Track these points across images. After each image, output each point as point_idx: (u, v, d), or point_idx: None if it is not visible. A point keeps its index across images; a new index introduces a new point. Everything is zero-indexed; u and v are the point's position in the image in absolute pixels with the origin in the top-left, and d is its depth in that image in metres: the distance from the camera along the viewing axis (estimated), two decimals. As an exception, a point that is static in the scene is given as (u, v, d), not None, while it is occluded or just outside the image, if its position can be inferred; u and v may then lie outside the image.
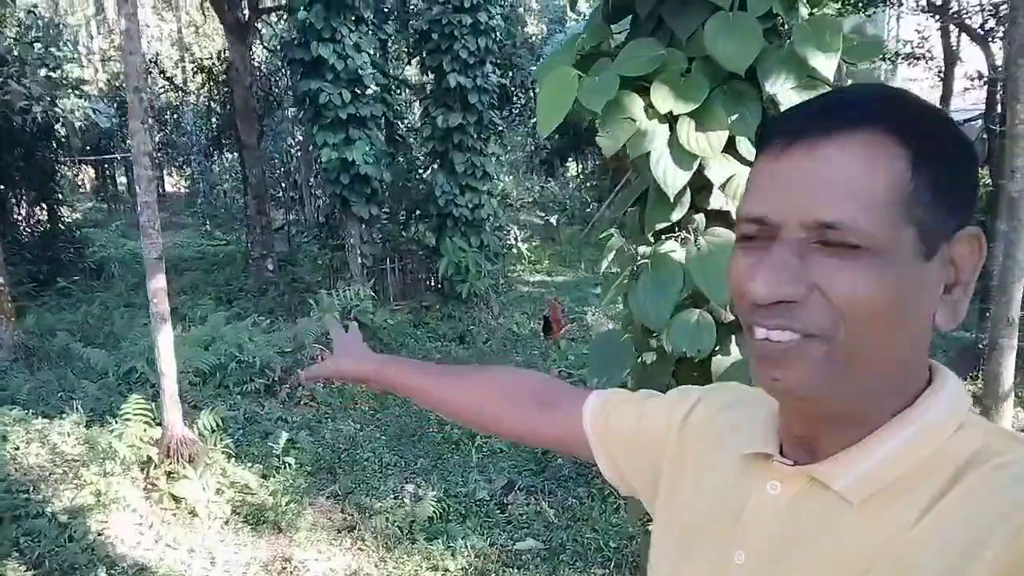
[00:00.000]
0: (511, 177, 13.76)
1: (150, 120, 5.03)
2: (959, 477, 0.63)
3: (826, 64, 1.71)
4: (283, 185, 15.56)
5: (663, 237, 1.99)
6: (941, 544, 0.61)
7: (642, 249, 2.00)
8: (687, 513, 0.84)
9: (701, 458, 0.85)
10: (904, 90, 0.68)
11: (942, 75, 13.36)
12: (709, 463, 0.83)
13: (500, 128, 10.33)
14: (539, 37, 17.73)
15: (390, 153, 10.18)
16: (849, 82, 1.94)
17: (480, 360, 8.72)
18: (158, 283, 5.20)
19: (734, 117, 1.83)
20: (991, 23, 12.04)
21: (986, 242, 0.65)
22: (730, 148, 1.97)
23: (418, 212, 10.79)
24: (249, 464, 5.89)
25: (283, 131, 15.42)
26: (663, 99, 1.82)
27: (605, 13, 2.07)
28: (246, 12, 12.03)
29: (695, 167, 1.89)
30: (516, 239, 11.70)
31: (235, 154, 16.40)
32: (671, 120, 1.89)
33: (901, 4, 15.37)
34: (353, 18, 8.94)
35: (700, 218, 2.03)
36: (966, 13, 12.51)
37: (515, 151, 15.70)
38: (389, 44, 11.48)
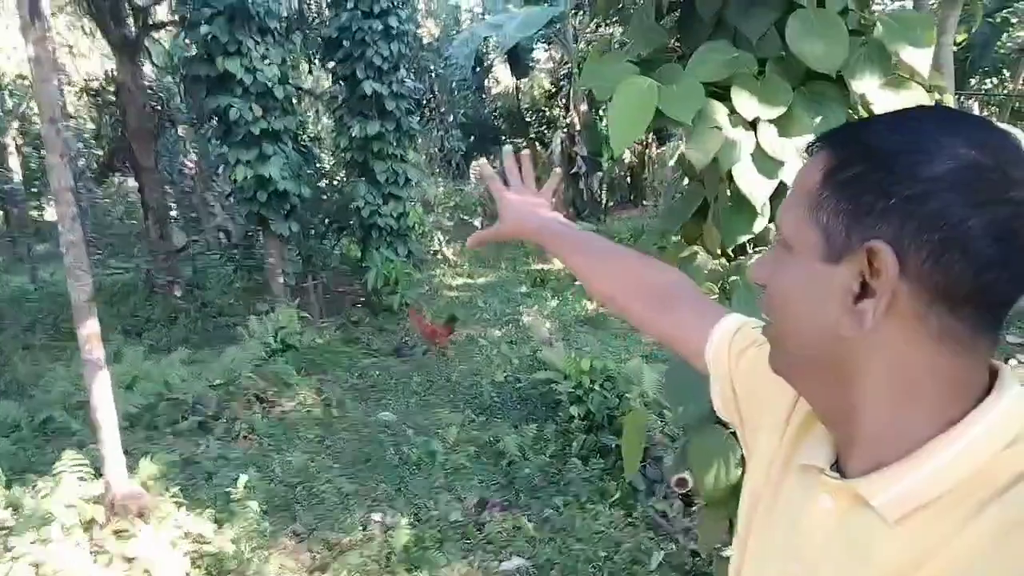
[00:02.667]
0: (428, 182, 13.52)
1: (68, 155, 4.61)
2: (1004, 493, 0.63)
3: (921, 59, 1.63)
4: (180, 206, 14.78)
5: (747, 251, 1.87)
6: (979, 565, 0.61)
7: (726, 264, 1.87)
8: (764, 523, 0.86)
9: (784, 465, 0.86)
10: (889, 119, 0.71)
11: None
12: (778, 461, 0.86)
13: (416, 134, 10.08)
14: (436, 39, 17.53)
15: (304, 168, 9.78)
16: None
17: (421, 370, 8.49)
18: (90, 328, 4.76)
19: (818, 120, 1.73)
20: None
21: (891, 257, 0.65)
22: None
23: (336, 225, 10.43)
24: (199, 511, 5.48)
25: (177, 151, 14.65)
26: (746, 104, 1.70)
27: (658, 12, 1.93)
28: (133, 29, 11.32)
29: (780, 175, 1.77)
30: (440, 244, 11.47)
31: (126, 178, 15.49)
32: (753, 127, 1.77)
33: None
34: (258, 30, 8.52)
35: (774, 228, 1.93)
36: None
37: (422, 153, 15.46)
38: (290, 55, 11.05)
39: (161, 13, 12.22)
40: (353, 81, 9.22)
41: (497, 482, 5.92)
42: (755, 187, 1.77)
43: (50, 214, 24.60)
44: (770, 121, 1.78)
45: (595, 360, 6.91)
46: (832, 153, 0.71)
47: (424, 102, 12.19)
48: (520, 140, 18.06)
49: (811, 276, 0.71)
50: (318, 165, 11.23)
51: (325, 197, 10.51)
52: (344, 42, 9.04)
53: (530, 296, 11.23)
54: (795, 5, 1.71)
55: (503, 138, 17.41)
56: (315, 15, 10.51)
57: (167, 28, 12.08)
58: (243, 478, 5.48)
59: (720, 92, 1.79)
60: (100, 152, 14.71)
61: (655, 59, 1.92)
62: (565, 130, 16.52)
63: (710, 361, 1.05)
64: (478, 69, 17.43)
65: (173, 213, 14.41)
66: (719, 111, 1.76)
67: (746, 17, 1.80)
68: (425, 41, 16.27)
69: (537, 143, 17.84)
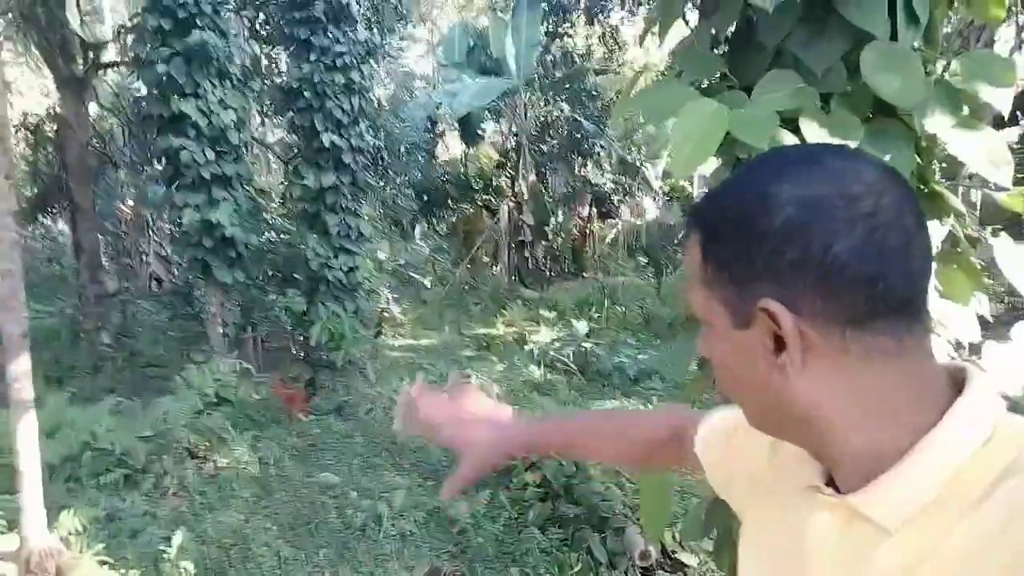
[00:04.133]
0: (379, 241, 13.37)
1: (13, 178, 4.34)
2: (993, 488, 0.65)
3: (1001, 99, 1.60)
4: (114, 250, 14.22)
5: None
6: (977, 557, 0.63)
7: None
8: (757, 549, 0.90)
9: (782, 490, 0.87)
10: (734, 180, 0.76)
11: None
12: (786, 499, 0.86)
13: (372, 189, 9.96)
14: (390, 101, 17.63)
15: (254, 216, 9.53)
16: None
17: (364, 430, 8.16)
18: (21, 365, 4.39)
19: (887, 157, 1.67)
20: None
21: (781, 309, 0.69)
22: None
23: (280, 276, 10.13)
24: (123, 571, 5.04)
25: (113, 194, 14.15)
26: (817, 136, 1.64)
27: (714, 41, 1.88)
28: (82, 66, 11.01)
29: None
30: (388, 302, 11.24)
31: (54, 221, 14.86)
32: None
33: None
34: (216, 73, 8.36)
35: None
36: None
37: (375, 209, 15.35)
38: (247, 101, 10.87)
39: (111, 53, 11.94)
40: (311, 132, 9.08)
41: (448, 551, 5.62)
42: None
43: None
44: None
45: (548, 425, 6.73)
46: (699, 229, 0.76)
47: (378, 160, 12.08)
48: (467, 205, 18.11)
49: (732, 345, 0.75)
50: (265, 215, 10.97)
51: (271, 247, 10.22)
52: (305, 93, 8.92)
53: (476, 359, 11.04)
54: (862, 39, 1.67)
55: (451, 201, 17.42)
56: (273, 65, 10.40)
57: (117, 67, 11.77)
58: (178, 537, 5.07)
59: (783, 124, 1.73)
60: (31, 192, 14.10)
61: (709, 88, 1.86)
62: (512, 198, 16.64)
63: (700, 453, 1.09)
64: (430, 134, 17.53)
65: (108, 257, 13.86)
66: (788, 139, 1.69)
67: (811, 49, 1.76)
68: (383, 104, 16.33)
69: (484, 209, 17.90)
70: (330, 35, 8.91)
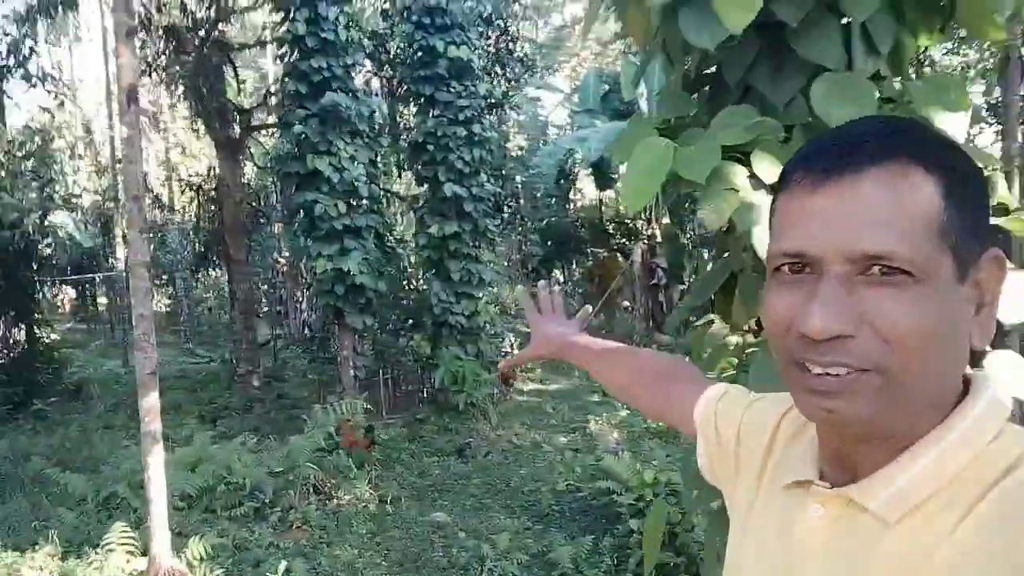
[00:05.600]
0: (504, 285, 13.65)
1: (147, 231, 4.84)
2: (995, 485, 0.64)
3: (956, 124, 1.55)
4: (269, 300, 15.34)
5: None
6: (979, 553, 0.61)
7: (748, 338, 1.76)
8: (740, 545, 0.88)
9: (773, 486, 0.86)
10: (914, 120, 0.71)
11: None
12: (776, 494, 0.84)
13: (494, 236, 10.26)
14: (523, 150, 18.09)
15: (383, 264, 10.03)
16: None
17: (481, 472, 8.30)
18: (151, 400, 4.86)
19: None
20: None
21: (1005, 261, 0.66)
22: None
23: (411, 322, 10.56)
24: (242, 598, 5.39)
25: (270, 246, 15.33)
26: (767, 169, 1.64)
27: (685, 83, 1.91)
28: (237, 130, 12.12)
29: None
30: (512, 346, 11.45)
31: (219, 270, 16.23)
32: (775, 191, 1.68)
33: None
34: (348, 131, 8.97)
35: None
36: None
37: (503, 259, 15.70)
38: (378, 157, 11.57)
39: (263, 116, 13.06)
40: (435, 183, 9.52)
41: (545, 593, 5.62)
42: None
43: (152, 304, 25.97)
44: None
45: (659, 472, 6.61)
46: (935, 169, 0.67)
47: (506, 208, 12.44)
48: (601, 249, 18.16)
49: (944, 300, 0.66)
50: (402, 265, 11.54)
51: (403, 294, 10.70)
52: (429, 146, 9.39)
53: (600, 404, 10.98)
54: (822, 71, 1.66)
55: (584, 246, 17.55)
56: (405, 121, 11.01)
57: (268, 130, 12.86)
58: (282, 566, 5.36)
59: (745, 157, 1.73)
60: (196, 247, 15.52)
61: (682, 126, 1.88)
62: (646, 241, 16.54)
63: (698, 425, 1.07)
64: (562, 180, 17.81)
65: (263, 306, 15.01)
66: (738, 173, 1.70)
67: (772, 83, 1.76)
68: (515, 153, 16.82)
69: (619, 253, 17.89)
70: (452, 90, 9.35)
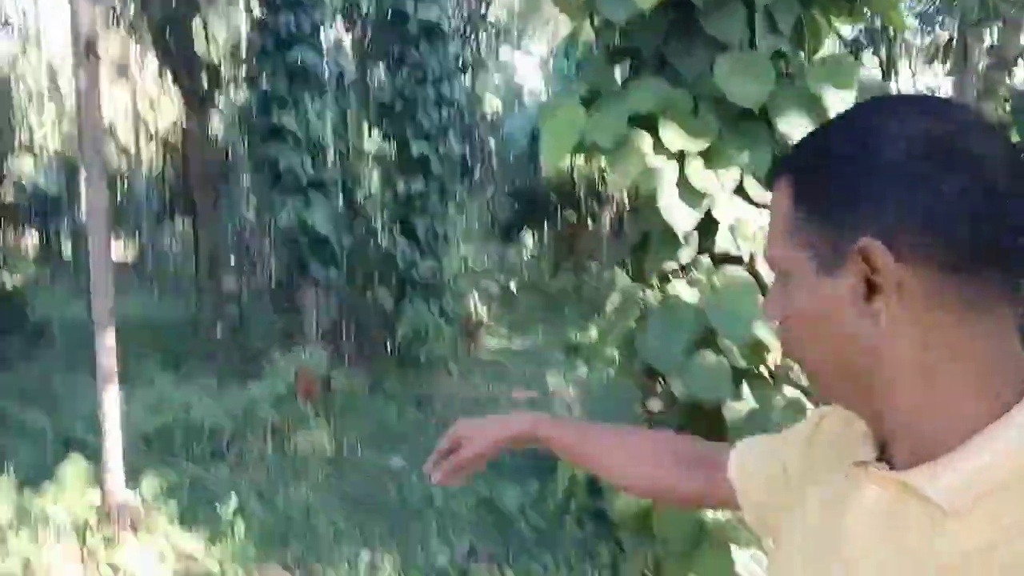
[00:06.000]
0: (470, 245, 13.80)
1: (105, 178, 4.92)
2: None
3: (843, 102, 1.73)
4: (236, 251, 15.35)
5: (670, 279, 1.95)
6: None
7: (649, 292, 1.95)
8: (798, 531, 0.85)
9: (820, 475, 0.86)
10: (831, 125, 0.75)
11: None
12: (824, 480, 0.84)
13: (462, 196, 10.40)
14: (496, 114, 18.11)
15: (350, 218, 10.14)
16: None
17: (441, 423, 8.52)
18: (107, 340, 5.00)
19: (744, 156, 1.82)
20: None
21: (882, 249, 0.66)
22: (740, 189, 1.94)
23: (376, 277, 10.70)
24: (195, 531, 5.58)
25: (238, 198, 15.29)
26: (673, 137, 1.81)
27: (607, 55, 2.08)
28: (205, 83, 12.06)
29: (705, 207, 1.85)
30: (476, 305, 11.66)
31: (187, 221, 16.16)
32: (681, 159, 1.87)
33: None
34: (315, 87, 9.01)
35: (706, 260, 1.98)
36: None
37: (473, 219, 15.82)
38: (348, 115, 11.59)
39: (234, 70, 12.99)
40: (402, 142, 9.62)
41: (491, 535, 5.87)
42: (678, 216, 1.85)
43: (115, 252, 25.73)
44: (699, 154, 1.87)
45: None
46: (792, 174, 0.73)
47: (476, 170, 12.55)
48: (571, 212, 18.32)
49: (816, 294, 0.71)
50: (371, 220, 11.64)
51: (368, 249, 10.82)
52: (397, 106, 9.47)
53: (560, 363, 11.23)
54: (729, 47, 1.83)
55: (554, 209, 17.70)
56: (375, 80, 11.03)
57: (237, 84, 12.81)
58: (233, 501, 5.56)
59: (653, 126, 1.89)
60: (164, 197, 15.45)
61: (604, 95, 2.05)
62: (615, 207, 16.75)
63: (738, 492, 1.04)
64: (534, 144, 17.89)
65: (230, 258, 15.00)
66: (644, 140, 1.85)
67: (683, 56, 1.92)
68: (489, 116, 16.86)
69: (589, 216, 18.08)
70: (421, 51, 9.41)
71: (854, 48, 13.28)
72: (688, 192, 1.85)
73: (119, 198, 19.64)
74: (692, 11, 1.89)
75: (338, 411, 8.37)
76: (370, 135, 12.49)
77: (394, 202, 9.82)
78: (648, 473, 1.16)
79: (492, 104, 19.37)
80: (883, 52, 12.03)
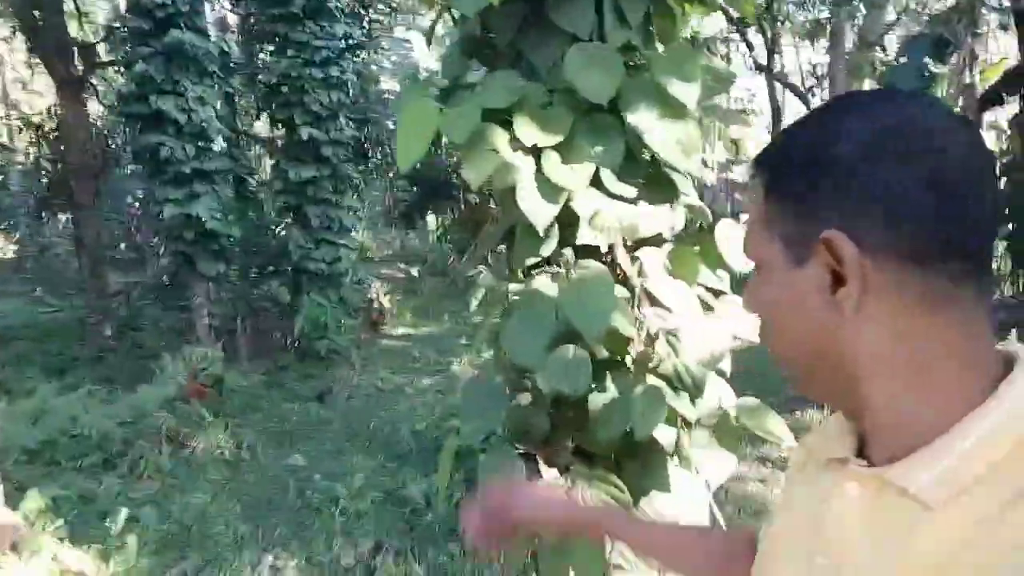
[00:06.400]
0: (370, 231, 13.55)
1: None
2: None
3: (688, 93, 1.72)
4: (123, 246, 14.63)
5: (533, 273, 1.93)
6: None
7: (512, 286, 1.92)
8: (776, 524, 0.89)
9: (796, 473, 0.90)
10: (801, 120, 0.76)
11: (771, 128, 14.60)
12: (800, 477, 0.87)
13: (356, 181, 10.17)
14: (392, 94, 17.77)
15: (241, 209, 9.79)
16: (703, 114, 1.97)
17: (343, 417, 8.38)
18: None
19: (598, 149, 1.80)
20: (810, 81, 13.25)
21: (845, 240, 0.67)
22: (597, 182, 1.93)
23: (271, 268, 10.39)
24: (85, 548, 5.31)
25: (122, 190, 14.56)
26: (527, 131, 1.78)
27: (465, 49, 2.02)
28: (80, 67, 11.36)
29: (562, 201, 1.83)
30: (377, 293, 11.48)
31: (68, 215, 15.32)
32: (536, 153, 1.84)
33: (729, 64, 16.60)
34: (196, 70, 8.60)
35: (569, 253, 1.97)
36: (788, 73, 13.72)
37: (373, 205, 15.53)
38: (237, 98, 11.14)
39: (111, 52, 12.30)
40: (291, 126, 9.31)
41: (397, 528, 5.82)
42: (536, 211, 1.82)
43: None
44: (554, 149, 1.84)
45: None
46: (763, 170, 0.76)
47: (372, 153, 12.30)
48: (473, 196, 18.24)
49: (785, 285, 0.74)
50: (265, 210, 11.25)
51: (262, 240, 10.48)
52: (283, 88, 9.16)
53: (465, 347, 11.21)
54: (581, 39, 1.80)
55: (456, 192, 17.59)
56: (262, 60, 10.63)
57: (114, 66, 12.13)
58: (123, 514, 5.33)
59: (510, 120, 1.85)
60: (37, 190, 14.56)
61: (462, 88, 1.99)
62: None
63: None
64: (433, 125, 17.67)
65: (112, 253, 14.29)
66: (498, 135, 1.82)
67: (537, 49, 1.88)
68: (384, 97, 16.52)
69: (491, 199, 18.03)
70: (307, 30, 9.11)
71: (740, 28, 13.64)
72: (546, 186, 1.83)
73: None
74: (544, 3, 1.85)
75: (236, 411, 8.11)
76: (258, 120, 12.09)
77: (285, 190, 9.50)
78: (710, 566, 1.16)
79: (390, 84, 19.02)
80: (768, 32, 12.41)
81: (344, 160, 9.63)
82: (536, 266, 2.01)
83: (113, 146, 13.24)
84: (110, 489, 6.41)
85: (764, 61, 13.22)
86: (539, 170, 1.87)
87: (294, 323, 9.32)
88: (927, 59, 7.07)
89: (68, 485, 6.38)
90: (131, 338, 11.80)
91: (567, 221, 1.94)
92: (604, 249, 1.88)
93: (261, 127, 12.18)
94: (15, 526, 4.97)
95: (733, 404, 1.95)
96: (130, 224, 14.94)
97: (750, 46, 13.85)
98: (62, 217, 16.49)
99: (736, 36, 13.84)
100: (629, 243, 2.02)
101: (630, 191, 1.87)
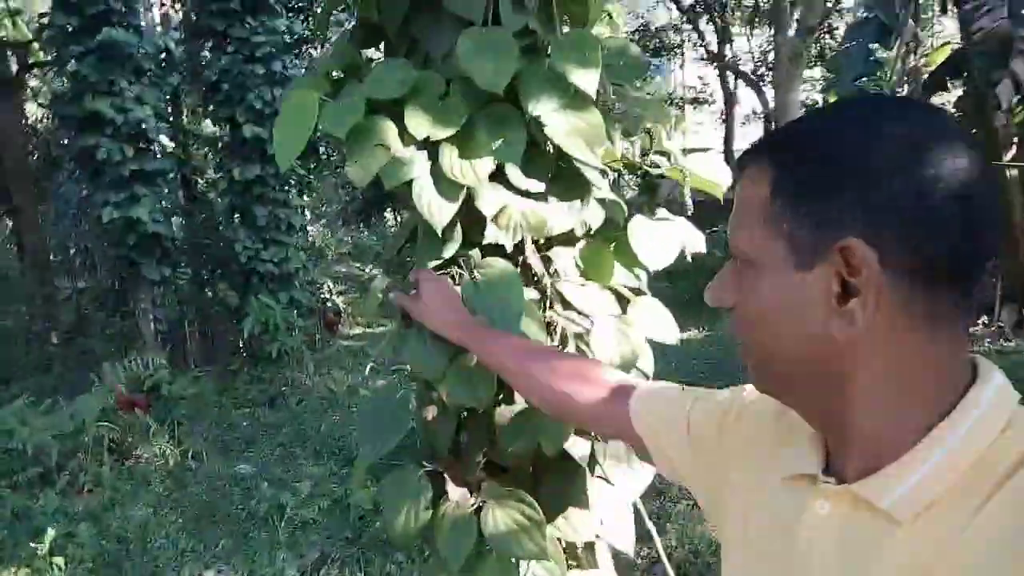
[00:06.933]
0: (324, 229, 13.31)
1: None
2: (1009, 478, 0.63)
3: (588, 80, 1.60)
4: (70, 251, 14.21)
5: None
6: (993, 548, 0.60)
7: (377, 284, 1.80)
8: (737, 548, 0.85)
9: (752, 477, 0.85)
10: (818, 117, 0.73)
11: (724, 116, 14.61)
12: (759, 486, 0.83)
13: (306, 179, 9.95)
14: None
15: (188, 211, 9.53)
16: (616, 103, 1.87)
17: (293, 421, 8.19)
18: None
19: (498, 142, 1.68)
20: (761, 69, 13.24)
21: (868, 251, 0.65)
22: (503, 177, 1.80)
23: (220, 270, 10.13)
24: (13, 570, 5.10)
25: (66, 193, 14.13)
26: (418, 124, 1.64)
27: (356, 37, 1.88)
28: (14, 67, 10.99)
29: (462, 198, 1.70)
30: (331, 292, 11.26)
31: (8, 220, 14.83)
32: (433, 148, 1.70)
33: (682, 54, 16.62)
34: (132, 69, 8.32)
35: (476, 253, 1.85)
36: (739, 60, 13.72)
37: (328, 203, 15.30)
38: (183, 97, 10.83)
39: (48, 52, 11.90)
40: (234, 124, 9.05)
41: (344, 537, 5.67)
42: (434, 210, 1.70)
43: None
44: (452, 143, 1.72)
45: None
46: (773, 162, 0.71)
47: (322, 150, 12.04)
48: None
49: (785, 287, 0.70)
50: (215, 210, 10.96)
51: (210, 241, 10.21)
52: (224, 85, 8.89)
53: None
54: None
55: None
56: (203, 57, 10.33)
57: (50, 66, 11.74)
58: (49, 534, 5.12)
59: (394, 109, 1.73)
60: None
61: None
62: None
63: (643, 434, 1.05)
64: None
65: (62, 258, 13.86)
66: (389, 129, 1.69)
67: (431, 35, 1.75)
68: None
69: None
70: (247, 26, 8.86)
71: (691, 17, 13.62)
72: (444, 184, 1.71)
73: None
74: None
75: (182, 418, 7.88)
76: (201, 119, 11.79)
77: (230, 190, 9.25)
78: (548, 383, 1.22)
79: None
80: (717, 20, 12.38)
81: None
82: (440, 267, 1.88)
83: (52, 149, 12.82)
84: (47, 505, 6.19)
85: (715, 49, 13.19)
86: (436, 166, 1.74)
87: (242, 327, 9.08)
88: (873, 44, 7.05)
89: (2, 502, 6.14)
90: (80, 345, 11.47)
91: (474, 219, 1.82)
92: (510, 248, 1.77)
93: (199, 127, 11.87)
94: (-63, 550, 4.74)
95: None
96: (75, 229, 14.51)
97: (701, 35, 13.83)
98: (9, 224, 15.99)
99: (687, 25, 13.80)
100: (541, 241, 1.90)
101: (538, 186, 1.75)
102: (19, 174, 10.97)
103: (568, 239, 1.89)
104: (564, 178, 1.84)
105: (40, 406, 7.79)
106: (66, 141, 13.20)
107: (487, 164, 1.72)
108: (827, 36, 10.73)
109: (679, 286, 12.91)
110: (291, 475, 6.76)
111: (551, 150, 1.81)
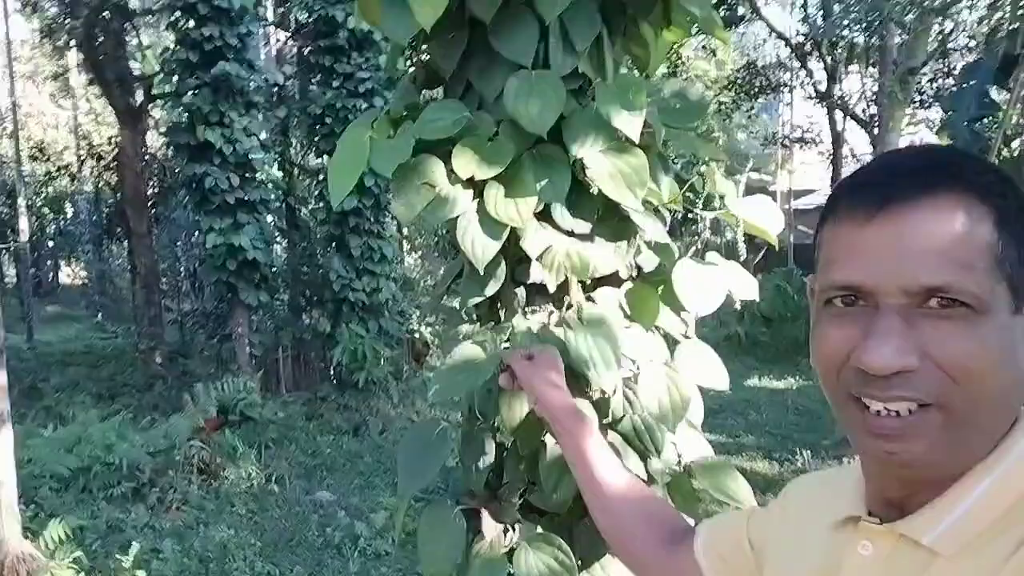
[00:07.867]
0: (420, 260, 13.54)
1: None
2: None
3: (630, 124, 1.57)
4: (178, 273, 14.96)
5: (525, 311, 1.79)
6: None
7: (464, 328, 1.76)
8: None
9: (793, 542, 0.85)
10: (954, 150, 0.71)
11: (831, 156, 14.14)
12: (800, 544, 0.83)
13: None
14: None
15: (289, 239, 9.86)
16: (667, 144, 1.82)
17: (376, 451, 8.25)
18: (-4, 380, 4.68)
19: (543, 183, 1.65)
20: (872, 108, 12.77)
21: None
22: (548, 217, 1.77)
23: (315, 298, 10.41)
24: (97, 579, 5.27)
25: (177, 219, 14.91)
26: (464, 164, 1.63)
27: (418, 79, 1.88)
28: (139, 98, 11.72)
29: (504, 237, 1.67)
30: (419, 323, 11.40)
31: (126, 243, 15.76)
32: (479, 188, 1.69)
33: (791, 92, 16.26)
34: (242, 102, 8.72)
35: (521, 292, 1.81)
36: (849, 100, 13.30)
37: (425, 235, 15.58)
38: (291, 130, 11.28)
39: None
40: (334, 157, 9.33)
41: (416, 573, 5.61)
42: (478, 248, 1.67)
43: (64, 275, 25.06)
44: (497, 182, 1.71)
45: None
46: (993, 206, 0.66)
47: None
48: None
49: (1003, 331, 0.65)
50: (310, 240, 11.31)
51: (307, 269, 10.52)
52: (328, 119, 9.21)
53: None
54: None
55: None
56: (311, 91, 10.75)
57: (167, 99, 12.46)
58: (134, 548, 5.26)
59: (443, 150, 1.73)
60: (97, 218, 15.03)
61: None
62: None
63: (706, 569, 1.00)
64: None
65: (171, 281, 14.60)
66: (437, 168, 1.68)
67: (484, 77, 1.75)
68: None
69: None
70: (352, 62, 9.17)
71: (800, 53, 13.32)
72: (488, 222, 1.69)
73: (63, 218, 19.12)
74: (485, 29, 1.72)
75: (269, 442, 8.06)
76: (306, 151, 12.24)
77: (327, 220, 9.53)
78: (625, 515, 1.14)
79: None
80: (827, 58, 12.08)
81: (387, 190, 9.61)
82: (484, 307, 1.86)
83: (167, 176, 13.57)
84: (138, 520, 6.39)
85: (824, 88, 12.84)
86: (481, 205, 1.72)
87: (332, 354, 9.27)
88: (989, 85, 6.67)
89: (96, 514, 6.38)
90: (182, 365, 11.97)
91: (520, 258, 1.79)
92: (552, 288, 1.73)
93: (303, 158, 12.34)
94: (31, 556, 4.94)
95: (692, 460, 1.75)
96: (185, 253, 15.27)
97: (810, 73, 13.49)
98: (119, 246, 16.99)
99: (796, 63, 13.49)
100: (587, 283, 1.87)
101: (584, 226, 1.71)
102: (136, 199, 11.61)
103: (614, 280, 1.84)
104: (611, 219, 1.80)
105: (139, 423, 8.15)
106: (179, 169, 13.99)
107: (532, 204, 1.70)
108: (946, 77, 10.29)
109: (776, 332, 12.47)
110: (367, 505, 6.78)
111: (597, 191, 1.78)
